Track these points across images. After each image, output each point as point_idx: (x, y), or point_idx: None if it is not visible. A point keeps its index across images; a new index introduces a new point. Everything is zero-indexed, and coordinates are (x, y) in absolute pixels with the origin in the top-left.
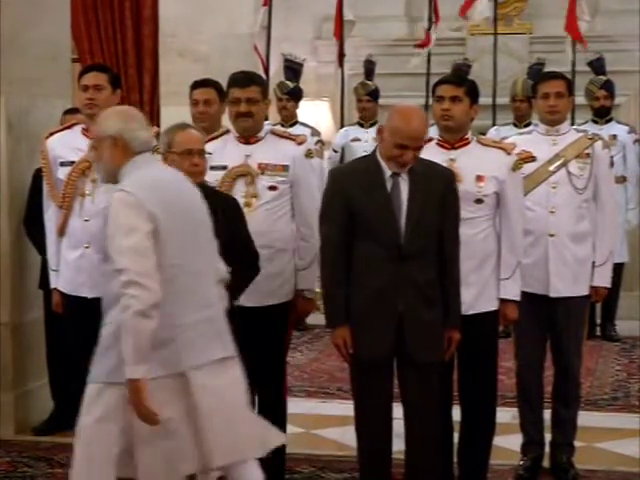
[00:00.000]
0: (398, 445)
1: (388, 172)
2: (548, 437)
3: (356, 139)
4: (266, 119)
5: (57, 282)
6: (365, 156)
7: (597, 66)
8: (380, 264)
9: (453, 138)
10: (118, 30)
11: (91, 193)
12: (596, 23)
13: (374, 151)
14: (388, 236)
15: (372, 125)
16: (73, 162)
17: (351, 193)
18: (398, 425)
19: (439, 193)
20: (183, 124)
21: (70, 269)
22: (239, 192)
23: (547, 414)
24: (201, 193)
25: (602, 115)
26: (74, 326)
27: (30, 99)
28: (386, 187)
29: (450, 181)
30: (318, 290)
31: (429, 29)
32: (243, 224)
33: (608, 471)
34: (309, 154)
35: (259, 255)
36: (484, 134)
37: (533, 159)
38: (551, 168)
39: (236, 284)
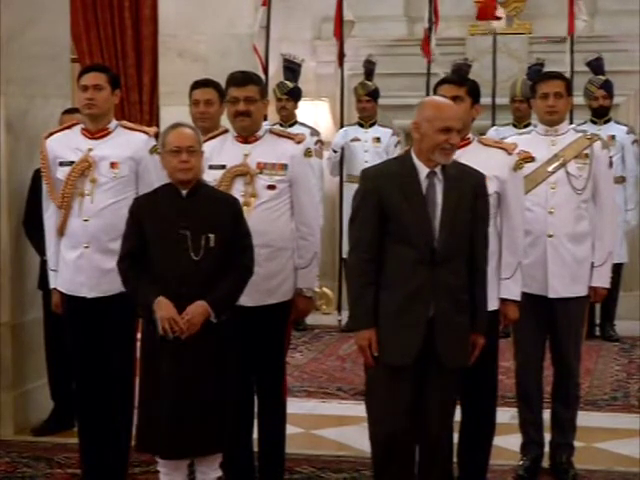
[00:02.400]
0: None
1: (424, 173)
2: (547, 437)
3: (356, 139)
4: (265, 119)
5: (56, 282)
6: (397, 157)
7: (596, 66)
8: (413, 267)
9: None
10: (117, 30)
11: (90, 193)
12: (595, 23)
13: (407, 152)
14: (422, 239)
15: (372, 125)
16: (72, 162)
17: (385, 194)
18: None
19: (471, 196)
20: (176, 123)
21: (69, 269)
22: (238, 191)
23: (546, 414)
24: (200, 192)
25: (601, 115)
26: (73, 326)
27: (29, 99)
28: (422, 188)
29: (482, 185)
30: (317, 289)
31: (429, 29)
32: (244, 225)
33: (607, 471)
34: (308, 153)
35: (254, 258)
36: (483, 134)
37: (532, 159)
38: (550, 168)
39: (235, 286)
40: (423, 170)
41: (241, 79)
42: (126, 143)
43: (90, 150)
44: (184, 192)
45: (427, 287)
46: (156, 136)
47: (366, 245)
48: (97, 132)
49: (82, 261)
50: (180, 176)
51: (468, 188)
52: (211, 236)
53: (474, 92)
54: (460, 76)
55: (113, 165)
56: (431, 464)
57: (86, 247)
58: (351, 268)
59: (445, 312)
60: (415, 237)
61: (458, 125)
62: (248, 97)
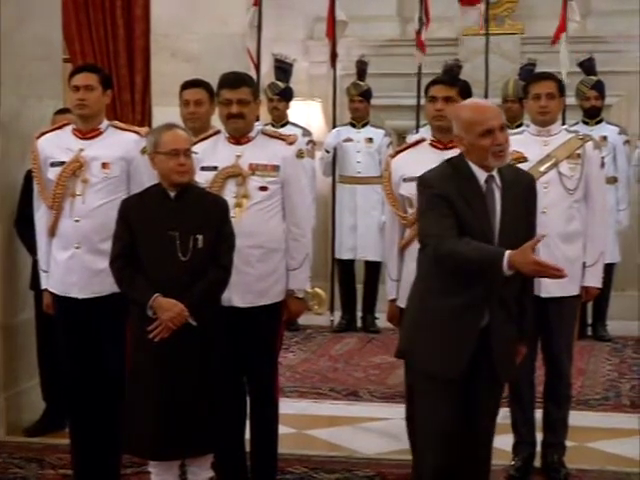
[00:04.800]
0: (396, 445)
1: (482, 178)
2: (539, 437)
3: (348, 139)
4: (257, 119)
5: (48, 283)
6: (450, 161)
7: (588, 67)
8: (471, 275)
9: (446, 138)
10: (109, 30)
11: (82, 193)
12: (587, 23)
13: (462, 158)
14: None
15: (364, 125)
16: (63, 162)
17: (452, 199)
18: (392, 425)
19: (525, 203)
20: (170, 124)
21: (60, 270)
22: (230, 192)
23: (538, 414)
24: (188, 193)
25: (593, 115)
26: (64, 327)
27: (22, 99)
28: (484, 195)
29: (533, 189)
30: (309, 290)
31: (420, 30)
32: (229, 226)
33: (599, 470)
34: (300, 154)
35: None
36: None
37: (524, 159)
38: (542, 169)
39: (212, 287)
40: (481, 175)
41: (234, 81)
42: (117, 143)
43: (81, 150)
44: (172, 194)
45: (483, 295)
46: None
47: (451, 231)
48: (88, 132)
49: (73, 262)
50: (177, 178)
51: (522, 192)
52: (199, 237)
53: (465, 92)
54: (451, 77)
55: (104, 165)
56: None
57: (77, 248)
58: (446, 250)
59: (500, 322)
60: None
61: (498, 122)
62: (241, 99)
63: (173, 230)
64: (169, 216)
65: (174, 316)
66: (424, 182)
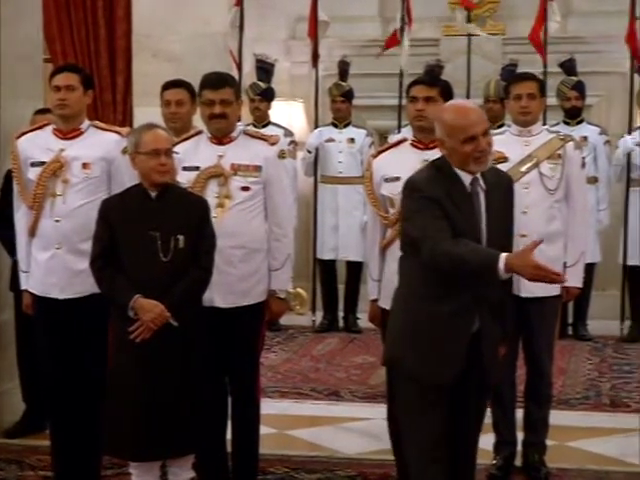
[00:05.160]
0: (378, 445)
1: (467, 181)
2: (520, 436)
3: (330, 139)
4: (239, 120)
5: (27, 283)
6: (433, 164)
7: (568, 67)
8: (462, 279)
9: (427, 138)
10: (91, 30)
11: (62, 193)
12: (568, 24)
13: (445, 161)
14: None
15: (346, 126)
16: (44, 162)
17: (441, 201)
18: (374, 425)
19: (505, 204)
20: (150, 124)
21: (41, 270)
22: (212, 193)
23: (519, 413)
24: (169, 194)
25: (573, 116)
26: (44, 328)
27: (2, 99)
28: (471, 197)
29: (512, 190)
30: (291, 290)
31: (402, 30)
32: (210, 227)
33: (579, 469)
34: (282, 155)
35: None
36: None
37: (505, 160)
38: (523, 169)
39: (193, 288)
40: (466, 178)
41: (216, 81)
42: (98, 143)
43: (62, 150)
44: (153, 194)
45: (474, 301)
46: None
47: (446, 233)
48: (69, 132)
49: (54, 262)
50: (158, 178)
51: (503, 194)
52: (180, 237)
53: (446, 93)
54: (432, 77)
55: (85, 165)
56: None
57: (58, 248)
58: (443, 252)
59: (489, 326)
60: None
61: (481, 128)
62: (223, 100)
63: (154, 230)
64: (150, 216)
65: (155, 317)
66: (411, 186)
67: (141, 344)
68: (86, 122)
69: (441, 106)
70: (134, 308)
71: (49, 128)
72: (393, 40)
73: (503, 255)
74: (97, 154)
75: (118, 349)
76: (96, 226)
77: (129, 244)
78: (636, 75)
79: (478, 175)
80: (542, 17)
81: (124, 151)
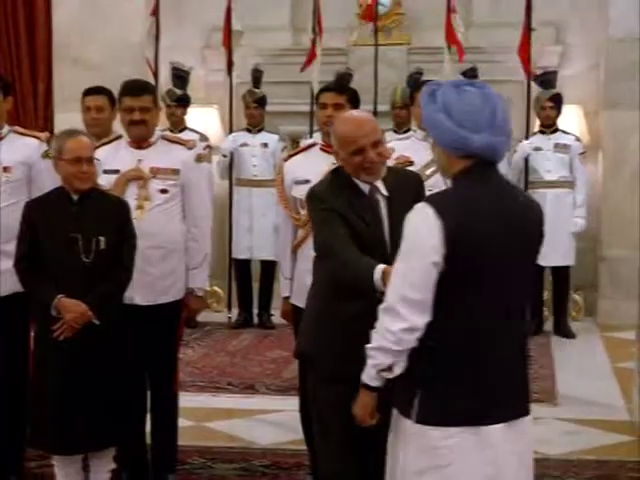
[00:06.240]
0: (291, 436)
1: (366, 189)
2: None
3: (244, 144)
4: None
5: None
6: (333, 174)
7: (470, 76)
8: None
9: None
10: (12, 37)
11: None
12: (470, 35)
13: (344, 170)
14: (379, 258)
15: (259, 131)
16: None
17: (342, 212)
18: (288, 417)
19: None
20: (73, 131)
21: None
22: (132, 195)
23: None
24: (90, 197)
25: None
26: None
27: None
28: (372, 205)
29: (422, 188)
30: (208, 288)
31: (314, 40)
32: (131, 228)
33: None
34: (199, 158)
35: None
36: None
37: (411, 163)
38: (428, 172)
39: (115, 287)
40: (364, 187)
41: (136, 89)
42: (18, 148)
43: None
44: (75, 197)
45: (380, 301)
46: (48, 141)
47: (348, 248)
48: None
49: None
50: (78, 185)
51: (412, 195)
52: (101, 239)
53: (354, 99)
54: (341, 85)
55: (6, 169)
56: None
57: None
58: (347, 270)
59: None
60: (372, 254)
61: (371, 139)
62: (143, 107)
63: (75, 232)
64: (71, 219)
65: (77, 316)
66: (314, 197)
67: (63, 341)
68: (6, 127)
69: (337, 117)
70: (57, 307)
71: None
72: (312, 55)
73: (380, 267)
74: (18, 158)
75: (40, 344)
76: (20, 227)
77: (52, 245)
78: (532, 83)
79: (378, 182)
80: (450, 28)
81: (44, 155)
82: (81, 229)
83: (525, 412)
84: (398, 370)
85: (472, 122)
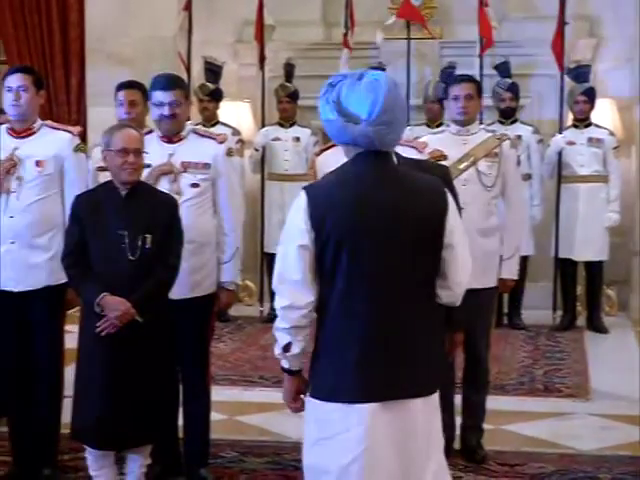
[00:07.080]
0: None
1: None
2: (459, 420)
3: (276, 138)
4: (188, 119)
5: None
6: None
7: (503, 69)
8: None
9: None
10: (45, 33)
11: (16, 190)
12: (502, 29)
13: None
14: None
15: (291, 125)
16: None
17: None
18: None
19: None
20: (122, 124)
21: None
22: (163, 189)
23: (458, 399)
24: (138, 192)
25: (508, 116)
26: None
27: None
28: None
29: (447, 181)
30: (240, 282)
31: (346, 34)
32: (179, 226)
33: (515, 452)
34: (230, 152)
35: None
36: None
37: (445, 158)
38: (461, 166)
39: (160, 285)
40: None
41: (166, 83)
42: (50, 142)
43: (16, 149)
44: (124, 192)
45: None
46: (80, 135)
47: None
48: (22, 131)
49: (8, 256)
50: (125, 177)
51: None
52: (148, 237)
53: None
54: None
55: (38, 163)
56: None
57: (12, 243)
58: None
59: None
60: None
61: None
62: (173, 101)
63: (122, 229)
64: (119, 215)
65: (121, 315)
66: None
67: (106, 337)
68: (39, 121)
69: None
70: (101, 305)
71: (3, 127)
72: (346, 42)
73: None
74: (50, 152)
75: (85, 338)
76: (68, 221)
77: (98, 241)
78: (566, 77)
79: None
80: (484, 21)
81: (75, 149)
82: (128, 226)
83: (418, 393)
84: (296, 349)
85: (352, 113)
